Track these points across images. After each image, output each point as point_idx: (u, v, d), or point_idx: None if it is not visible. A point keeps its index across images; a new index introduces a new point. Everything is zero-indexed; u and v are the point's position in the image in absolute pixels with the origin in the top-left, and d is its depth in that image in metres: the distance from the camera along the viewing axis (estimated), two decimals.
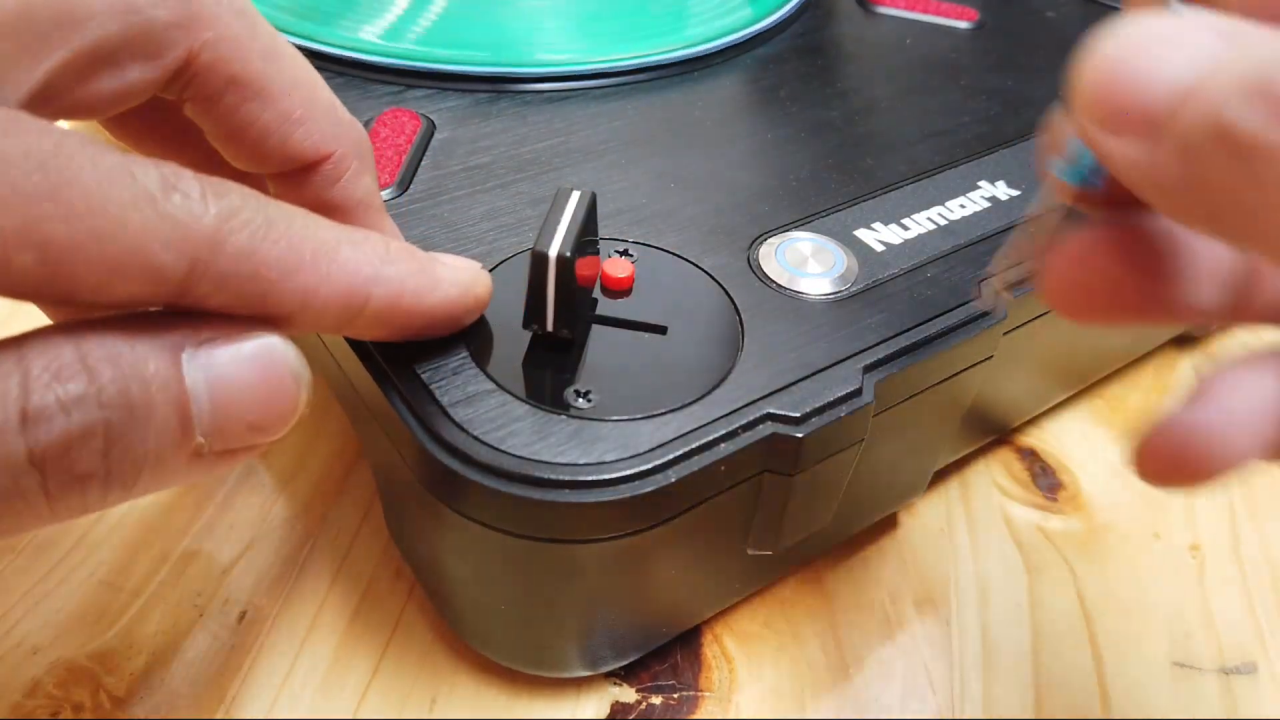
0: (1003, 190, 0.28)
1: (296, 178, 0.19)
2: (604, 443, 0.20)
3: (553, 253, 0.20)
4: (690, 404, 0.21)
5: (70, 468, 0.14)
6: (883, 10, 0.38)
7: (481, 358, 0.21)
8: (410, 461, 0.21)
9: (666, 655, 0.25)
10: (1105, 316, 0.17)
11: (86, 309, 0.15)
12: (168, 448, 0.15)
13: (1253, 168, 0.11)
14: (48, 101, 0.15)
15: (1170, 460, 0.17)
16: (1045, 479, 0.31)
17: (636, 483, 0.19)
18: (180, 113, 0.19)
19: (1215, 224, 0.12)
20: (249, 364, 0.16)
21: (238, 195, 0.15)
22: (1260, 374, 0.16)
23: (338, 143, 0.19)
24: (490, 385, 0.21)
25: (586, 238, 0.21)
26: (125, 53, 0.16)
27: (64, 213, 0.13)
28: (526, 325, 0.21)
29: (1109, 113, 0.13)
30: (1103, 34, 0.13)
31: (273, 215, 0.16)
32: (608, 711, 0.24)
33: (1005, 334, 0.25)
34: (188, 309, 0.15)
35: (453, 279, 0.20)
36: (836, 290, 0.24)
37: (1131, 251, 0.16)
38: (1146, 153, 0.13)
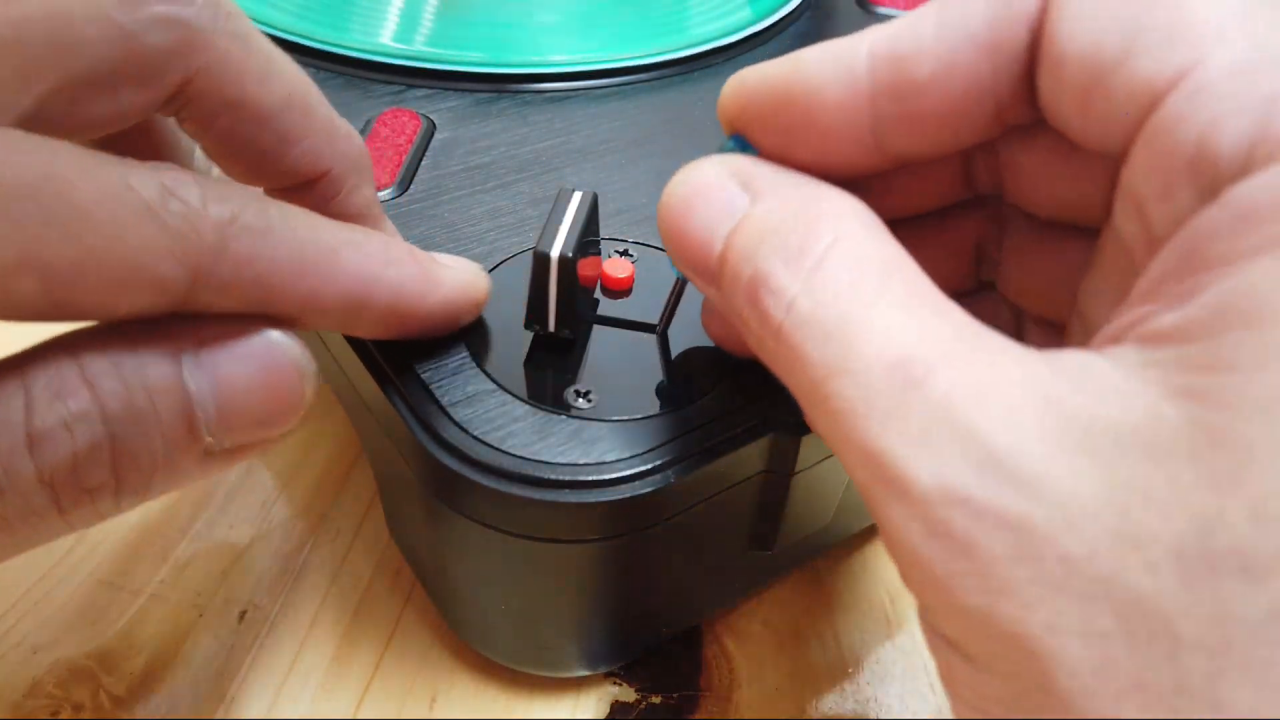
0: None
1: (294, 192, 0.19)
2: (604, 443, 0.20)
3: (555, 253, 0.20)
4: (690, 404, 0.21)
5: (79, 483, 0.14)
6: (883, 10, 0.38)
7: (481, 358, 0.21)
8: (410, 461, 0.21)
9: (666, 655, 0.25)
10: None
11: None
12: (176, 451, 0.15)
13: (760, 344, 0.15)
14: (39, 124, 0.15)
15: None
16: None
17: (636, 483, 0.19)
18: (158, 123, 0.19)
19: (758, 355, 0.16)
20: (250, 362, 0.16)
21: (238, 199, 0.15)
22: None
23: (334, 160, 0.19)
24: (490, 385, 0.21)
25: (588, 238, 0.21)
26: (120, 78, 0.16)
27: (60, 235, 0.13)
28: (528, 326, 0.21)
29: (677, 258, 0.17)
30: (674, 178, 0.17)
31: (274, 220, 0.16)
32: (608, 711, 0.24)
33: None
34: (192, 314, 0.15)
35: (453, 281, 0.20)
36: None
37: None
38: (712, 293, 0.17)
